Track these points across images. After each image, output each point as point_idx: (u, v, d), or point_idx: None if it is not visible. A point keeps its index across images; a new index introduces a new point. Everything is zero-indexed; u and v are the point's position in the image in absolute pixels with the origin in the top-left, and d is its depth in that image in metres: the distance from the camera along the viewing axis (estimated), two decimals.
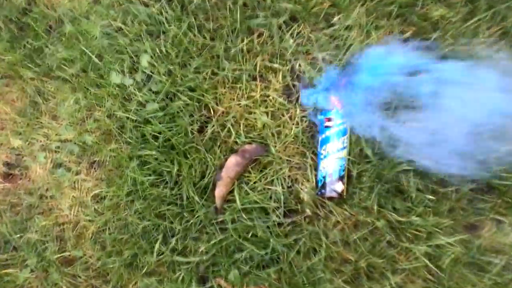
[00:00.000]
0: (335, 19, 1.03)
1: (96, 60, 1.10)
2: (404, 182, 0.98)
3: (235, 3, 1.04)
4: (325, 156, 0.98)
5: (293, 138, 1.03)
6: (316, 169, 1.01)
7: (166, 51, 1.06)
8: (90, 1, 1.13)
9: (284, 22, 1.04)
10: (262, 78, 1.07)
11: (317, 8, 1.03)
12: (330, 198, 0.99)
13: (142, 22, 1.08)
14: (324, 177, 0.97)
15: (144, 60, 1.07)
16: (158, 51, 1.07)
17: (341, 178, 0.97)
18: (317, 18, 1.04)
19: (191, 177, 1.04)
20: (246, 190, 1.04)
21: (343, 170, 0.98)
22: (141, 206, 1.07)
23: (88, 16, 1.12)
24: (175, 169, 1.05)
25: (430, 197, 0.98)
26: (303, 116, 1.04)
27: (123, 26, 1.09)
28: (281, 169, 1.03)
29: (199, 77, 1.06)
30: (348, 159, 0.99)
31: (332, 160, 0.97)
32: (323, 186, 0.97)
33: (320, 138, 0.99)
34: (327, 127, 0.98)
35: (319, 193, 0.99)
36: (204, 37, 1.07)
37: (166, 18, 1.07)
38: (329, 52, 1.03)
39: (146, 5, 1.09)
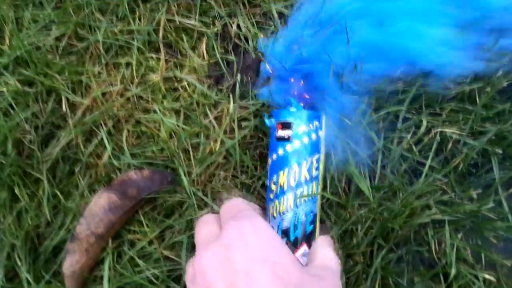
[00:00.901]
0: None
1: None
2: (432, 245, 0.50)
3: None
4: (277, 195, 0.47)
5: (224, 158, 0.54)
6: (267, 217, 0.49)
7: None
8: None
9: None
10: (170, 48, 0.59)
11: None
12: None
13: None
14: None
15: None
16: None
17: (307, 237, 0.47)
18: None
19: (14, 236, 0.52)
20: (129, 259, 0.52)
21: (312, 222, 0.47)
22: None
23: None
24: None
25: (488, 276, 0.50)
26: (244, 119, 0.55)
27: None
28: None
29: (44, 43, 0.56)
30: (322, 201, 0.51)
31: (291, 202, 0.47)
32: None
33: (269, 162, 0.49)
34: (281, 139, 0.48)
35: None
36: None
37: None
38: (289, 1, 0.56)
39: None
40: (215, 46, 0.58)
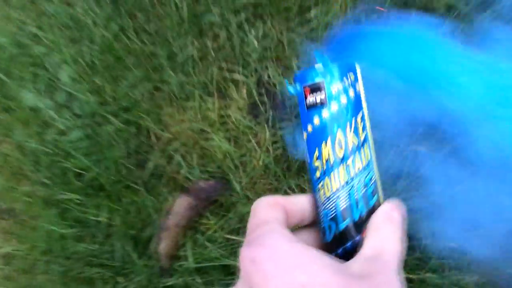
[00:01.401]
0: (312, 13, 0.80)
1: (3, 76, 0.84)
2: None
3: None
4: (325, 172, 0.36)
5: (264, 170, 0.78)
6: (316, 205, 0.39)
7: (93, 61, 0.81)
8: None
9: (245, 19, 0.81)
10: (221, 93, 0.82)
11: (287, 0, 0.80)
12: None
13: (62, 26, 0.83)
14: (333, 219, 0.37)
15: (65, 75, 0.81)
16: (82, 62, 0.81)
17: (369, 210, 0.36)
18: (287, 13, 0.80)
19: (126, 227, 0.77)
20: (202, 243, 0.77)
21: (373, 193, 0.36)
22: (62, 269, 0.79)
23: None
24: (105, 218, 0.78)
25: None
26: (276, 142, 0.79)
27: (38, 32, 0.84)
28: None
29: (136, 93, 0.81)
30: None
31: (344, 176, 0.36)
32: (338, 238, 0.36)
33: (305, 136, 0.37)
34: (313, 107, 0.36)
35: (334, 253, 0.36)
36: (143, 42, 0.82)
37: (93, 20, 0.82)
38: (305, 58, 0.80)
39: (68, 4, 0.84)
40: (253, 91, 0.82)
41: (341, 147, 0.36)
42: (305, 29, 0.80)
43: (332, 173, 0.36)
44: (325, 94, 0.36)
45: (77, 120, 0.80)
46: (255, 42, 0.80)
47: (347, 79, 0.36)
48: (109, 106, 0.80)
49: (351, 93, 0.36)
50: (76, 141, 0.79)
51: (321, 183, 0.36)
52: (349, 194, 0.36)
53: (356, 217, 0.35)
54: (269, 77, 0.82)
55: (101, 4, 0.83)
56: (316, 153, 0.36)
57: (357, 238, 0.35)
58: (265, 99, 0.82)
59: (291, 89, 0.38)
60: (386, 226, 0.33)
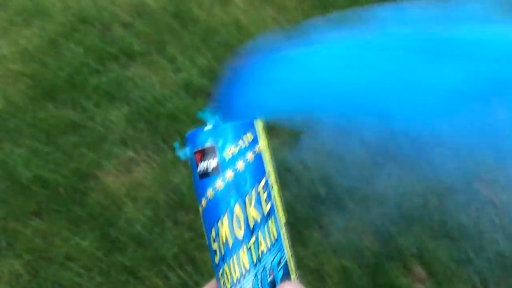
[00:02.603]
0: None
1: None
2: None
3: None
4: (223, 258, 0.30)
5: None
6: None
7: None
8: None
9: None
10: None
11: None
12: None
13: None
14: None
15: None
16: None
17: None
18: None
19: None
20: None
21: (286, 273, 0.30)
22: None
23: None
24: None
25: None
26: None
27: None
28: None
29: None
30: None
31: (245, 261, 0.30)
32: None
33: (200, 211, 0.31)
34: (205, 175, 0.30)
35: None
36: None
37: None
38: None
39: None
40: None
41: (239, 226, 0.29)
42: None
43: (231, 259, 0.29)
44: (218, 160, 0.29)
45: None
46: None
47: (244, 140, 0.30)
48: None
49: (250, 156, 0.30)
50: None
51: (221, 270, 0.30)
52: (253, 283, 0.29)
53: None
54: None
55: None
56: (213, 233, 0.30)
57: None
58: None
59: (181, 154, 0.31)
60: None
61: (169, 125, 1.23)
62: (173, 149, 1.20)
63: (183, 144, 0.31)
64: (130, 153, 1.19)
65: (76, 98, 1.31)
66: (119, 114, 1.27)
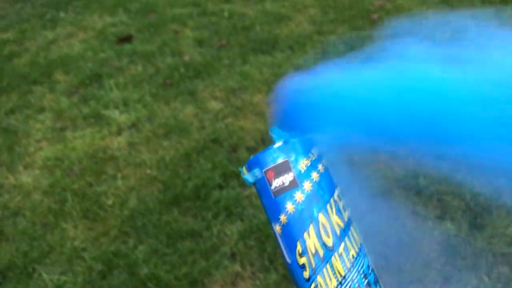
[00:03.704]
0: None
1: None
2: None
3: None
4: (316, 270, 0.29)
5: None
6: None
7: None
8: None
9: None
10: None
11: None
12: None
13: None
14: None
15: None
16: None
17: None
18: None
19: None
20: None
21: (376, 282, 0.30)
22: None
23: None
24: None
25: None
26: None
27: None
28: None
29: None
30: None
31: (339, 268, 0.29)
32: None
33: (278, 231, 0.31)
34: (281, 191, 0.30)
35: None
36: None
37: None
38: None
39: None
40: None
41: (327, 235, 0.28)
42: None
43: (324, 269, 0.28)
44: (294, 173, 0.29)
45: None
46: None
47: (313, 154, 0.30)
48: None
49: (321, 168, 0.30)
50: None
51: (313, 284, 0.29)
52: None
53: None
54: None
55: None
56: (299, 247, 0.29)
57: None
58: None
59: (249, 177, 0.30)
60: None
61: (277, 247, 1.31)
62: (277, 270, 1.26)
63: (248, 168, 0.31)
64: (238, 267, 1.27)
65: (199, 208, 1.46)
66: (233, 228, 1.38)
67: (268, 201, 0.30)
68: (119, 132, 1.86)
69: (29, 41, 2.62)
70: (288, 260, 0.30)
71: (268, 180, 0.29)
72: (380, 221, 0.35)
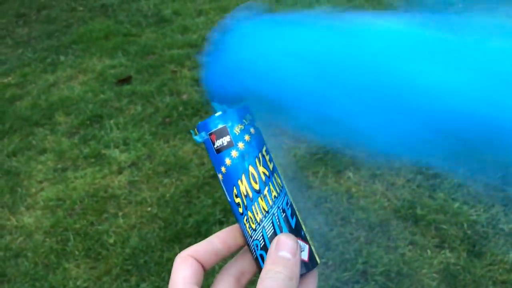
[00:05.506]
0: None
1: None
2: None
3: None
4: (247, 206, 0.40)
5: None
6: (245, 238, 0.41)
7: None
8: None
9: None
10: None
11: None
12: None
13: None
14: (263, 248, 0.39)
15: None
16: None
17: (295, 231, 0.40)
18: None
19: None
20: None
21: (292, 215, 0.41)
22: None
23: None
24: None
25: None
26: None
27: None
28: None
29: None
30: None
31: (264, 205, 0.40)
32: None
33: (220, 178, 0.41)
34: (222, 149, 0.40)
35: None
36: None
37: None
38: None
39: None
40: None
41: (255, 181, 0.39)
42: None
43: (253, 206, 0.39)
44: (230, 136, 0.40)
45: None
46: None
47: (246, 120, 0.40)
48: None
49: (252, 130, 0.41)
50: None
51: (245, 217, 0.40)
52: (272, 221, 0.39)
53: None
54: None
55: None
56: (235, 190, 0.40)
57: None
58: None
59: (198, 138, 0.41)
60: (271, 267, 0.35)
61: None
62: None
63: (197, 131, 0.42)
64: None
65: None
66: None
67: (213, 157, 0.40)
68: (119, 171, 1.88)
69: (30, 85, 2.67)
70: (229, 199, 0.40)
71: (212, 141, 0.40)
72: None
